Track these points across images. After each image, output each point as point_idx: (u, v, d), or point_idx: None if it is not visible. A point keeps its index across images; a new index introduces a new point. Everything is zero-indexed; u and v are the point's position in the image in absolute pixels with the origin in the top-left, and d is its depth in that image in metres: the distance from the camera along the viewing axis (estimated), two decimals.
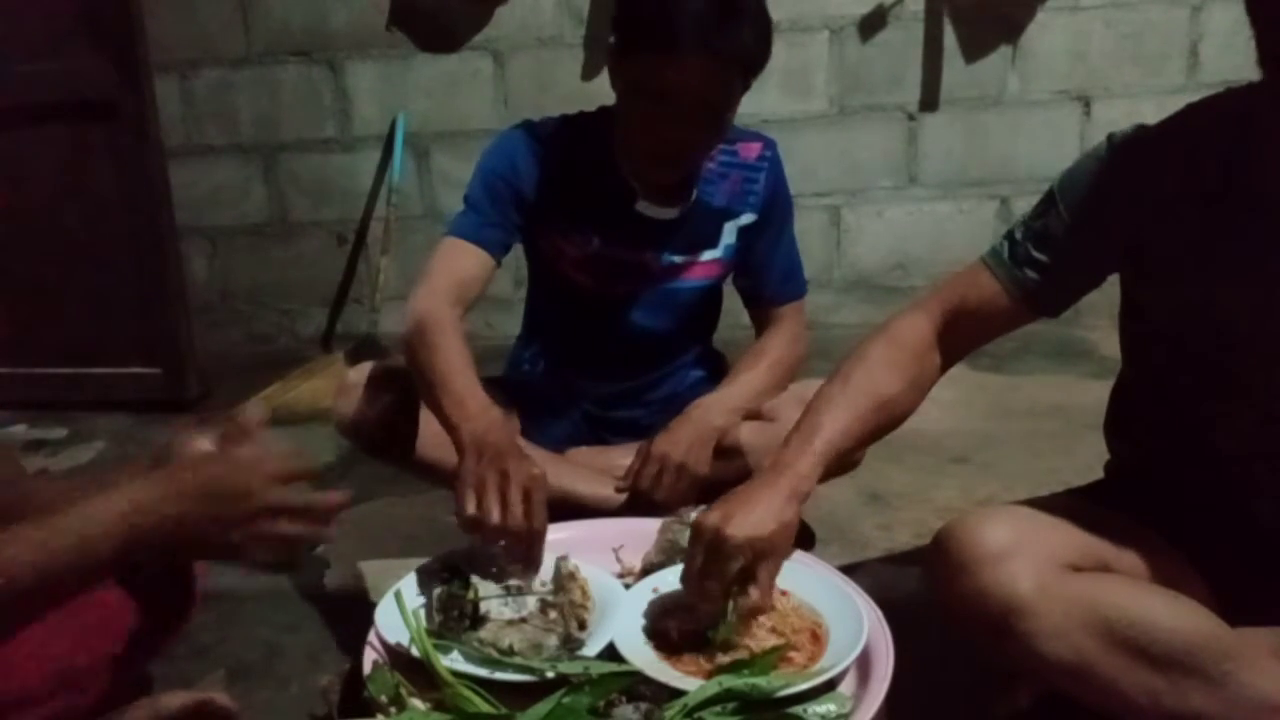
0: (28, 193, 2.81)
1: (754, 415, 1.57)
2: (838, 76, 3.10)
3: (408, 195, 3.25)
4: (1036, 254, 1.19)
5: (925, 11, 3.02)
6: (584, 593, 1.18)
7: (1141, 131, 1.15)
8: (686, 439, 1.50)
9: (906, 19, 3.03)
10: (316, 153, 3.28)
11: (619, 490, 1.52)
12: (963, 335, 1.26)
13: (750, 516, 1.09)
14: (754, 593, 1.10)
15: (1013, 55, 3.05)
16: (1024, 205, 1.31)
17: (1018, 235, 1.22)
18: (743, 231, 1.64)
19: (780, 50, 3.04)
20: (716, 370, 1.74)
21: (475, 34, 3.13)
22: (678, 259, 1.62)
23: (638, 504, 1.49)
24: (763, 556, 1.10)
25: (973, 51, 3.05)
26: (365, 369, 1.60)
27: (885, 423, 1.23)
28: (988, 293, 1.22)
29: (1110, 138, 1.17)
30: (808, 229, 3.16)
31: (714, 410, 1.54)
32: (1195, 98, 1.16)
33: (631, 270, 1.61)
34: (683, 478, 1.48)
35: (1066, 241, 1.17)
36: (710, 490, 1.48)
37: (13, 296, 2.85)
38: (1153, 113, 1.17)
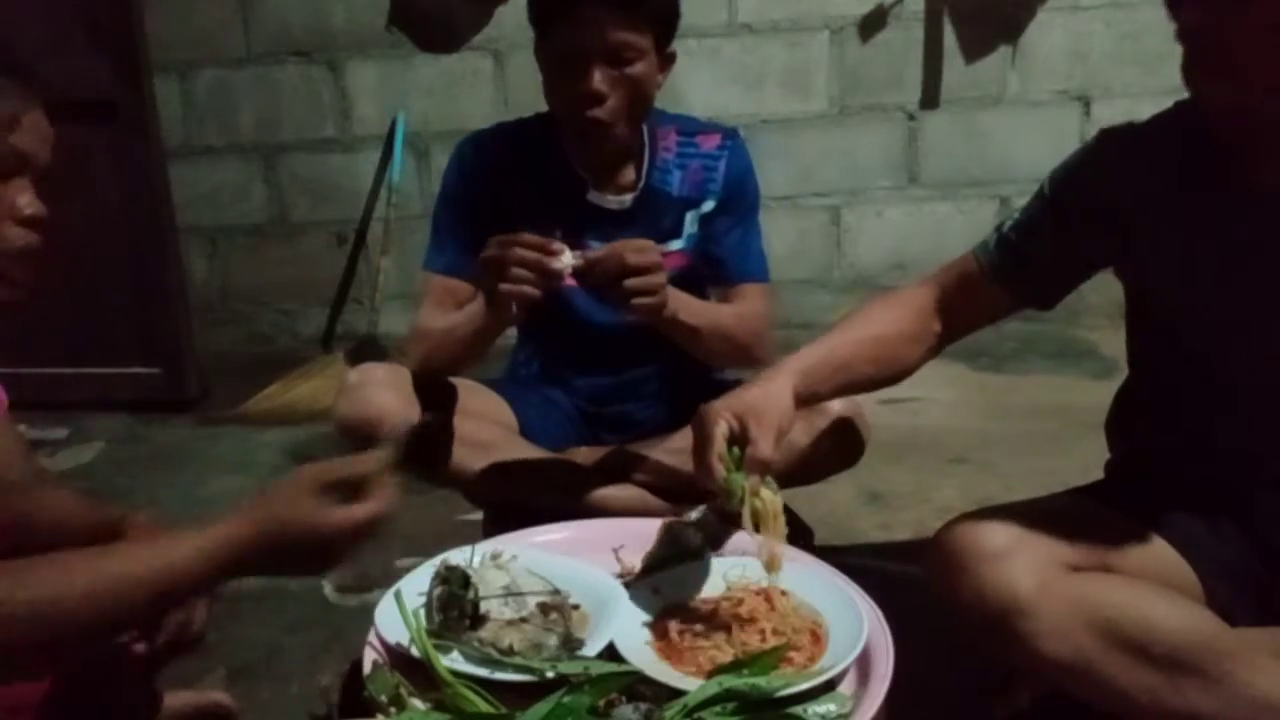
0: None
1: None
2: (838, 76, 3.10)
3: (408, 195, 3.25)
4: (1020, 242, 1.23)
5: (925, 11, 3.02)
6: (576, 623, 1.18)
7: (1131, 126, 1.17)
8: (639, 249, 1.41)
9: (906, 19, 3.03)
10: (316, 153, 3.28)
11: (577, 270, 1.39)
12: (957, 315, 1.31)
13: (727, 396, 1.18)
14: (753, 448, 1.12)
15: (1013, 55, 3.05)
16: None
17: (1006, 225, 1.26)
18: (703, 219, 1.65)
19: (780, 50, 3.09)
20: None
21: (475, 34, 3.13)
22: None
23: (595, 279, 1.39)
24: (745, 416, 1.14)
25: (973, 51, 3.05)
26: (366, 370, 1.59)
27: (872, 356, 1.28)
28: (973, 279, 1.28)
29: (1102, 131, 1.19)
30: (808, 229, 3.16)
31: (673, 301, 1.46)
32: None
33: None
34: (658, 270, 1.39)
35: (1049, 231, 1.21)
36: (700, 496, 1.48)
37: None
38: (1152, 113, 1.18)
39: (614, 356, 1.70)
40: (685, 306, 1.48)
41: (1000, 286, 1.25)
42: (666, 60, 1.56)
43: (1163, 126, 1.14)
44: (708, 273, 1.69)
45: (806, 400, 1.23)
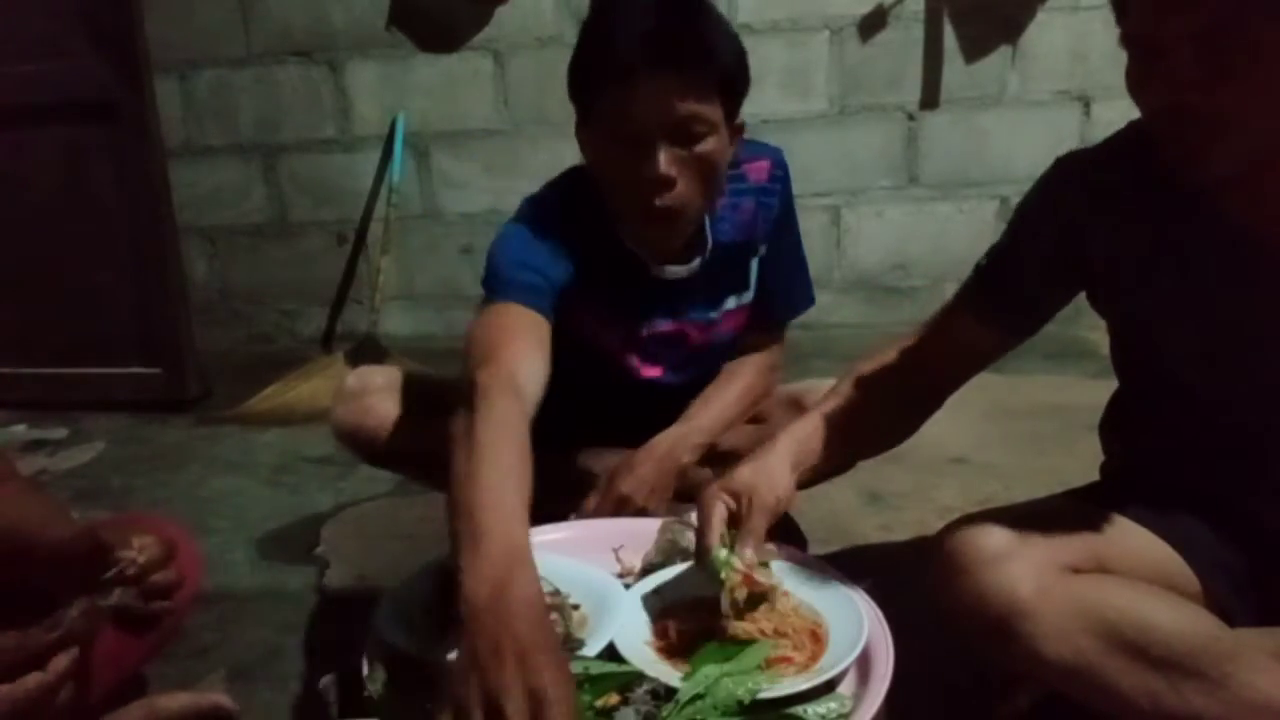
0: (28, 193, 2.81)
1: (748, 419, 1.58)
2: (838, 76, 3.10)
3: (408, 195, 3.25)
4: (997, 276, 1.23)
5: (925, 11, 3.02)
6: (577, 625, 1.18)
7: (1086, 151, 1.18)
8: (650, 479, 1.45)
9: (906, 19, 3.04)
10: (316, 153, 3.28)
11: (575, 518, 1.44)
12: (947, 366, 1.29)
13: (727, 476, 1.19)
14: (743, 532, 1.12)
15: (1013, 55, 3.05)
16: None
17: (982, 263, 1.26)
18: (761, 262, 1.54)
19: (780, 50, 3.09)
20: None
21: (475, 34, 3.13)
22: (713, 314, 1.53)
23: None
24: (740, 496, 1.14)
25: (973, 51, 3.05)
26: (364, 375, 1.58)
27: (871, 425, 1.29)
28: (957, 324, 1.26)
29: (1057, 160, 1.19)
30: (808, 229, 3.09)
31: (681, 446, 1.49)
32: None
33: (674, 341, 1.52)
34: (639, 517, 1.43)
35: (1020, 262, 1.21)
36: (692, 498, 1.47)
37: (13, 296, 2.85)
38: None
39: (644, 416, 1.55)
40: (695, 450, 1.50)
41: (986, 326, 1.25)
42: (736, 131, 1.36)
43: (1115, 149, 1.15)
44: (754, 310, 1.57)
45: (805, 473, 1.23)
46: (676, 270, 1.45)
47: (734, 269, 1.51)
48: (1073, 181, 1.17)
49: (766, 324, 1.62)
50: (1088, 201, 1.14)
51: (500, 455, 0.99)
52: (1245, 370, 1.09)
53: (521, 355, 1.17)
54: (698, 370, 1.58)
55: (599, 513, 1.44)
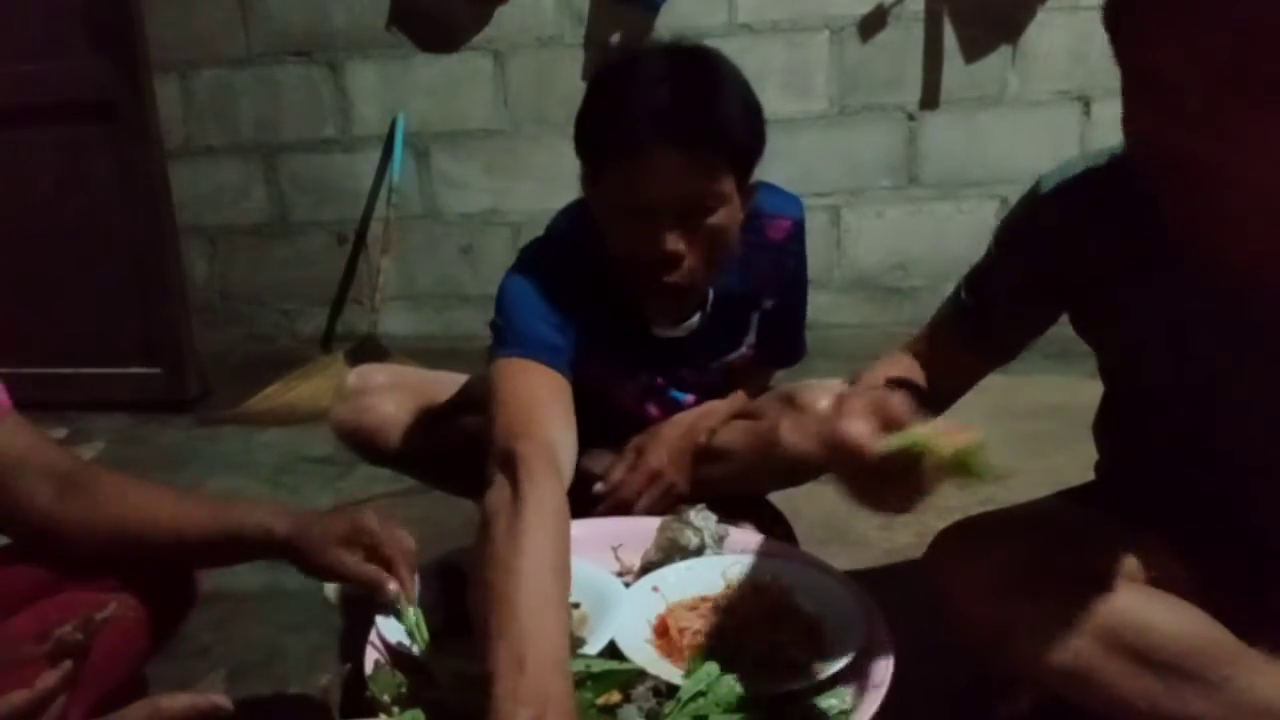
0: (28, 193, 2.81)
1: (740, 415, 1.58)
2: (838, 76, 3.10)
3: (408, 195, 3.25)
4: (976, 304, 1.21)
5: (925, 11, 3.02)
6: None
7: (1070, 187, 1.11)
8: (673, 451, 1.47)
9: (906, 19, 3.03)
10: (316, 153, 3.28)
11: (597, 493, 1.48)
12: (938, 387, 1.25)
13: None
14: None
15: (1013, 55, 3.04)
16: None
17: (961, 291, 1.24)
18: (769, 314, 1.54)
19: (780, 50, 3.09)
20: None
21: (475, 34, 3.13)
22: (714, 365, 1.54)
23: (614, 507, 1.46)
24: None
25: (973, 51, 3.05)
26: (365, 374, 1.58)
27: None
28: (941, 348, 1.25)
29: (1036, 188, 1.14)
30: (808, 229, 3.15)
31: (699, 426, 1.51)
32: None
33: (663, 394, 1.55)
34: (669, 493, 1.47)
35: (1002, 290, 1.19)
36: (692, 495, 1.48)
37: (13, 296, 2.85)
38: None
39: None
40: (716, 414, 1.51)
41: (970, 353, 1.24)
42: (749, 193, 1.33)
43: (1099, 185, 1.09)
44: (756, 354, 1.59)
45: None
46: (678, 330, 1.44)
47: (735, 322, 1.49)
48: (1048, 218, 1.12)
49: (766, 365, 1.64)
50: (1062, 239, 1.11)
51: (545, 555, 0.97)
52: (1222, 405, 1.07)
53: (558, 428, 1.17)
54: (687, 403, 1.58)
55: (629, 484, 1.46)
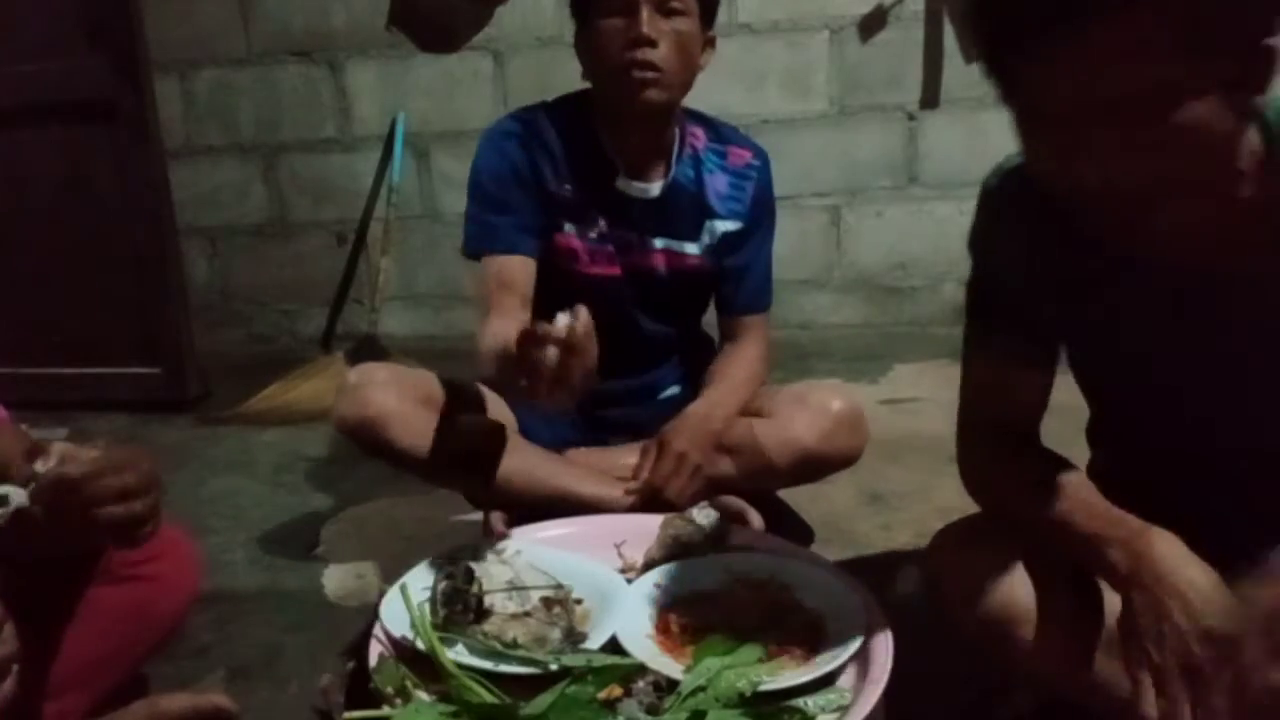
0: (28, 193, 2.81)
1: (750, 412, 1.59)
2: (838, 76, 3.10)
3: (408, 195, 3.25)
4: (987, 323, 1.19)
5: (925, 11, 3.02)
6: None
7: (1004, 185, 1.15)
8: (695, 437, 1.53)
9: (906, 19, 3.04)
10: (316, 153, 3.28)
11: (629, 491, 1.52)
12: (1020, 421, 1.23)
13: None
14: None
15: None
16: None
17: (972, 317, 1.21)
18: (726, 236, 1.66)
19: (780, 50, 3.09)
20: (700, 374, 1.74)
21: (475, 34, 3.12)
22: (659, 244, 1.65)
23: (648, 502, 1.49)
24: None
25: (973, 52, 3.05)
26: (366, 370, 1.58)
27: None
28: (1006, 379, 1.22)
29: (986, 192, 1.18)
30: (808, 229, 3.16)
31: (712, 415, 1.57)
32: None
33: (621, 249, 1.63)
34: (697, 476, 1.51)
35: (997, 298, 1.17)
36: (707, 489, 1.49)
37: (13, 296, 2.85)
38: None
39: (633, 360, 1.69)
40: (723, 420, 1.57)
41: (1034, 370, 1.22)
42: (708, 41, 1.57)
43: (1024, 181, 1.09)
44: (720, 296, 1.73)
45: None
46: (638, 188, 1.60)
47: (690, 216, 1.65)
48: (997, 224, 1.15)
49: (734, 312, 1.72)
50: (1016, 234, 1.12)
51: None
52: (1179, 392, 1.07)
53: (516, 305, 1.50)
54: (646, 303, 1.67)
55: (659, 471, 1.51)
